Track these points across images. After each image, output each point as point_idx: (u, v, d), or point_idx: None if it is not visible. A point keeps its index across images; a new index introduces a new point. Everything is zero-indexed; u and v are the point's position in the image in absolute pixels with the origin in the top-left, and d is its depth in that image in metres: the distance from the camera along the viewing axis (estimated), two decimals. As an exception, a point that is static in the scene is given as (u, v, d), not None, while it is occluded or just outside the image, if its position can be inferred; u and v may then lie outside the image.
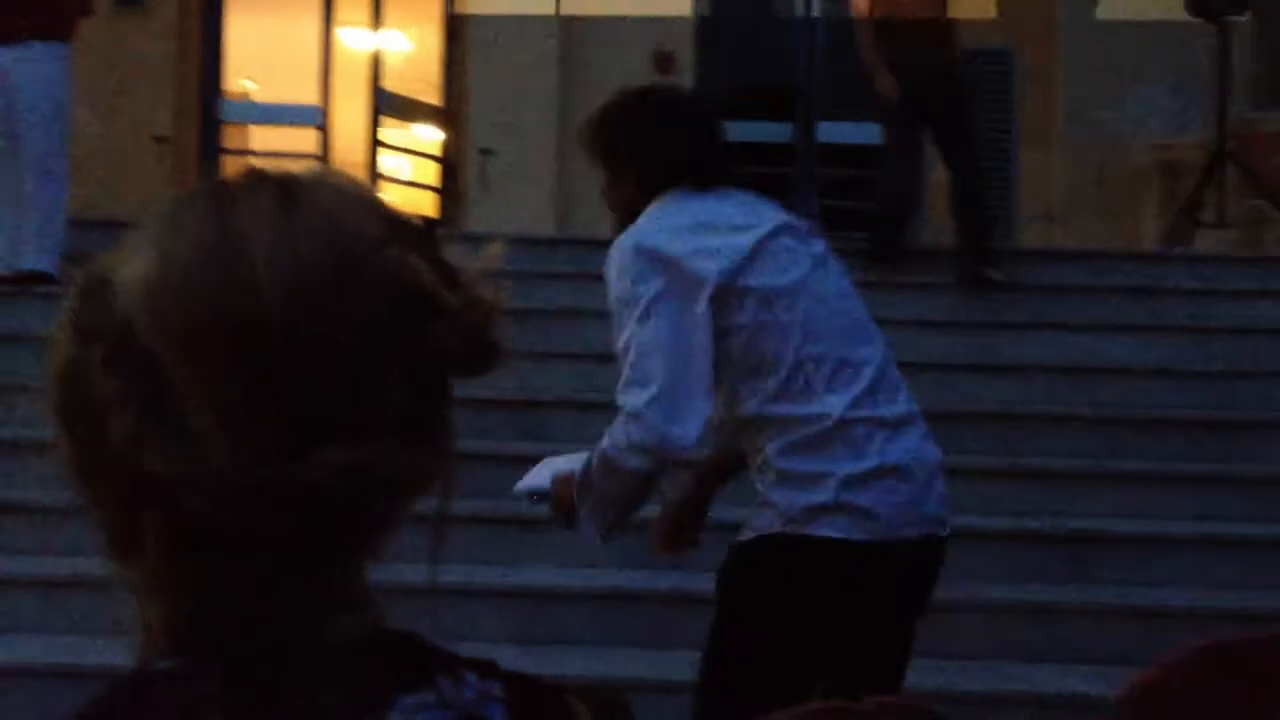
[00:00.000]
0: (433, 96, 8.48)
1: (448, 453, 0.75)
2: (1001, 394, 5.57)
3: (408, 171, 9.25)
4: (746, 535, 2.36)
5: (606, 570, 4.39)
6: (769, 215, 2.39)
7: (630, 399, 2.24)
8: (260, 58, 9.44)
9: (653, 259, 2.25)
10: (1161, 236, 7.11)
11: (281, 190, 0.73)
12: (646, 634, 4.07)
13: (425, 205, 8.42)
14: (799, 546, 2.25)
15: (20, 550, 4.50)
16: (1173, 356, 5.74)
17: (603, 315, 6.11)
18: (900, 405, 2.35)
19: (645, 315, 2.23)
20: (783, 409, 2.27)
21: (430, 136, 9.02)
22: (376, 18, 8.07)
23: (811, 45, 8.14)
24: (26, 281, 5.85)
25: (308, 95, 8.26)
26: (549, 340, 5.99)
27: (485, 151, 7.91)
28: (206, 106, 8.01)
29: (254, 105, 10.11)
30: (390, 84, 8.25)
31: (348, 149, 8.60)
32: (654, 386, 2.21)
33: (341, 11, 8.36)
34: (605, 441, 2.29)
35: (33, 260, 5.88)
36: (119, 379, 0.69)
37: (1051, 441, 5.20)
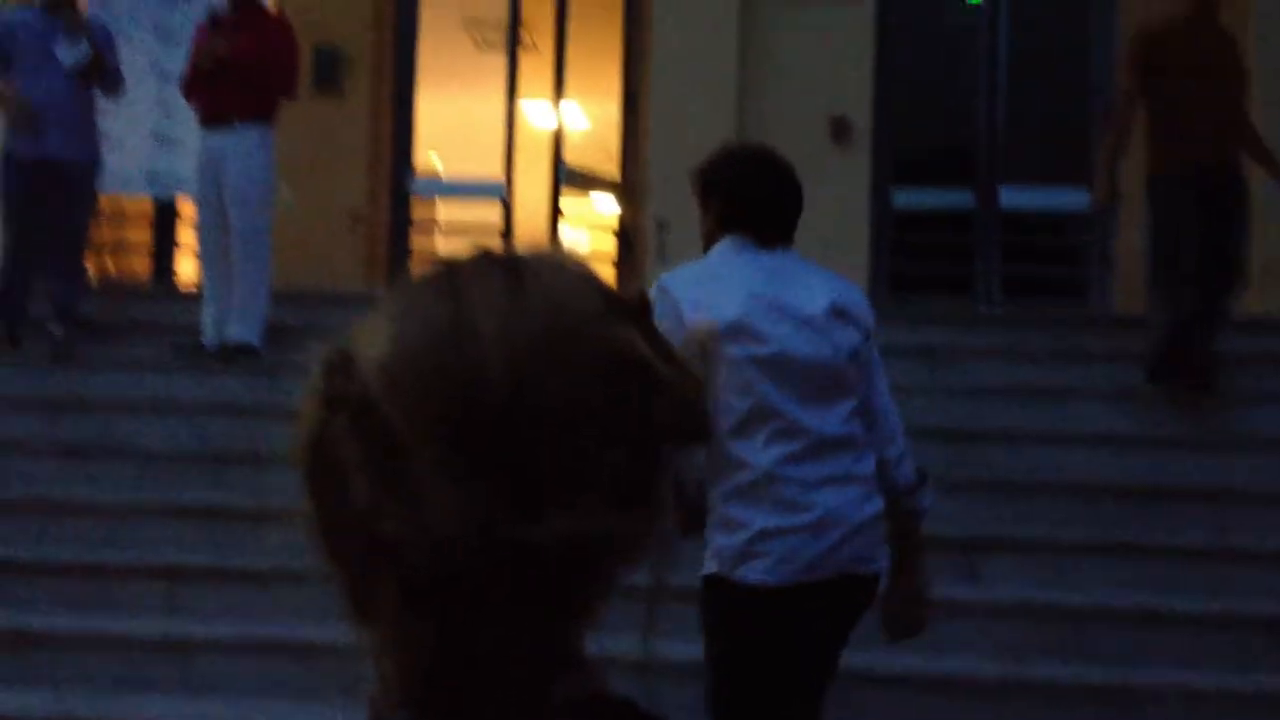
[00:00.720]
0: (611, 169, 8.63)
1: (663, 521, 0.78)
2: (1211, 471, 5.34)
3: (586, 243, 9.43)
4: (701, 573, 2.81)
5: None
6: (784, 285, 2.78)
7: None
8: (448, 134, 9.77)
9: (665, 296, 2.69)
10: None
11: (508, 271, 0.78)
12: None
13: (604, 277, 8.56)
14: (729, 589, 2.73)
15: (228, 614, 4.69)
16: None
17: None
18: (835, 467, 2.75)
19: None
20: (731, 449, 2.72)
21: (609, 208, 9.18)
22: (558, 94, 8.28)
23: (993, 109, 8.04)
24: (232, 353, 6.13)
25: (492, 169, 8.50)
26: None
27: (662, 223, 8.00)
28: (397, 182, 8.31)
29: (441, 181, 10.45)
30: (570, 158, 8.43)
31: (529, 221, 8.81)
32: None
33: (525, 88, 8.60)
34: None
35: (238, 332, 6.16)
36: (359, 446, 0.74)
37: (1266, 520, 4.97)
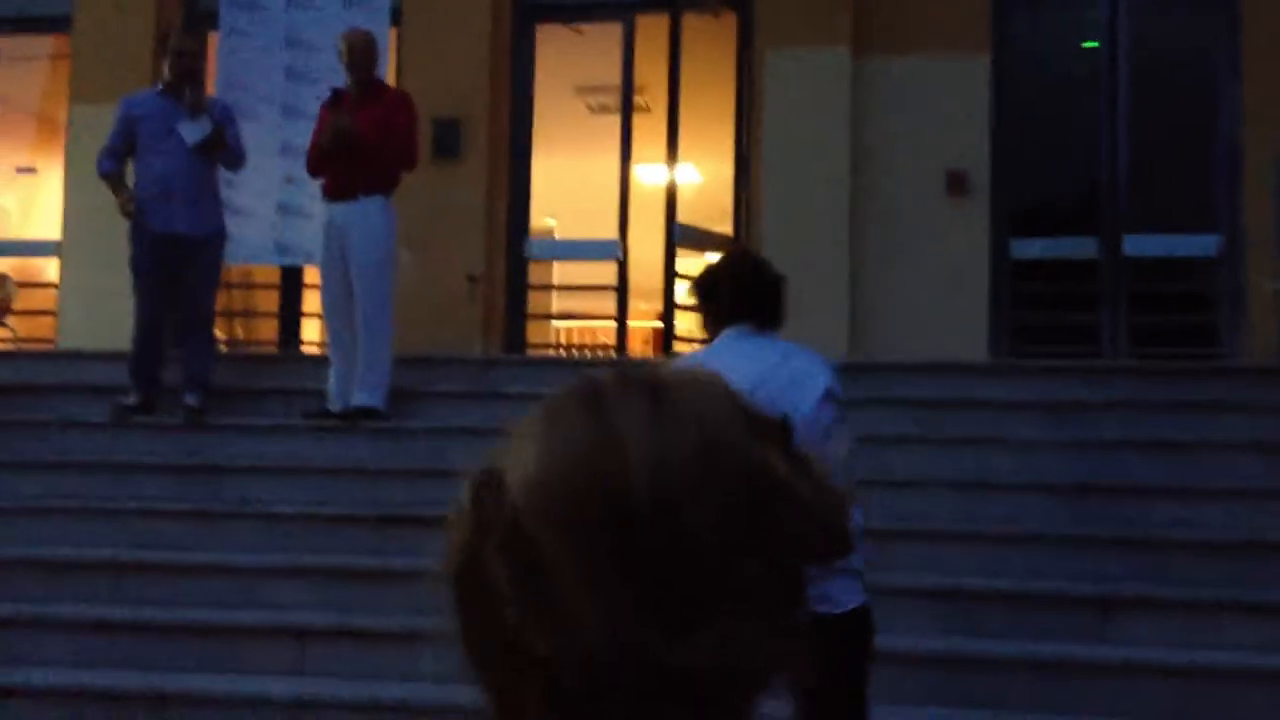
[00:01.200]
0: (725, 225, 8.66)
1: (799, 632, 0.78)
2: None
3: (702, 300, 9.45)
4: None
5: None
6: (764, 361, 3.27)
7: None
8: (563, 197, 9.92)
9: None
10: None
11: (650, 391, 0.78)
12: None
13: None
14: None
15: (357, 675, 4.75)
16: None
17: (904, 441, 6.05)
18: None
19: None
20: None
21: (723, 265, 9.18)
22: (672, 155, 8.34)
23: (1115, 154, 7.90)
24: (357, 417, 6.26)
25: (607, 230, 8.59)
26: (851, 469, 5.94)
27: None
28: (513, 245, 8.44)
29: (557, 242, 10.59)
30: (684, 215, 8.47)
31: (644, 279, 8.86)
32: None
33: (639, 149, 8.69)
34: None
35: (363, 397, 6.29)
36: (508, 566, 0.75)
37: None
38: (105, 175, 6.58)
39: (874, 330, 7.73)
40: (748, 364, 3.21)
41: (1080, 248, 7.92)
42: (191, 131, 6.45)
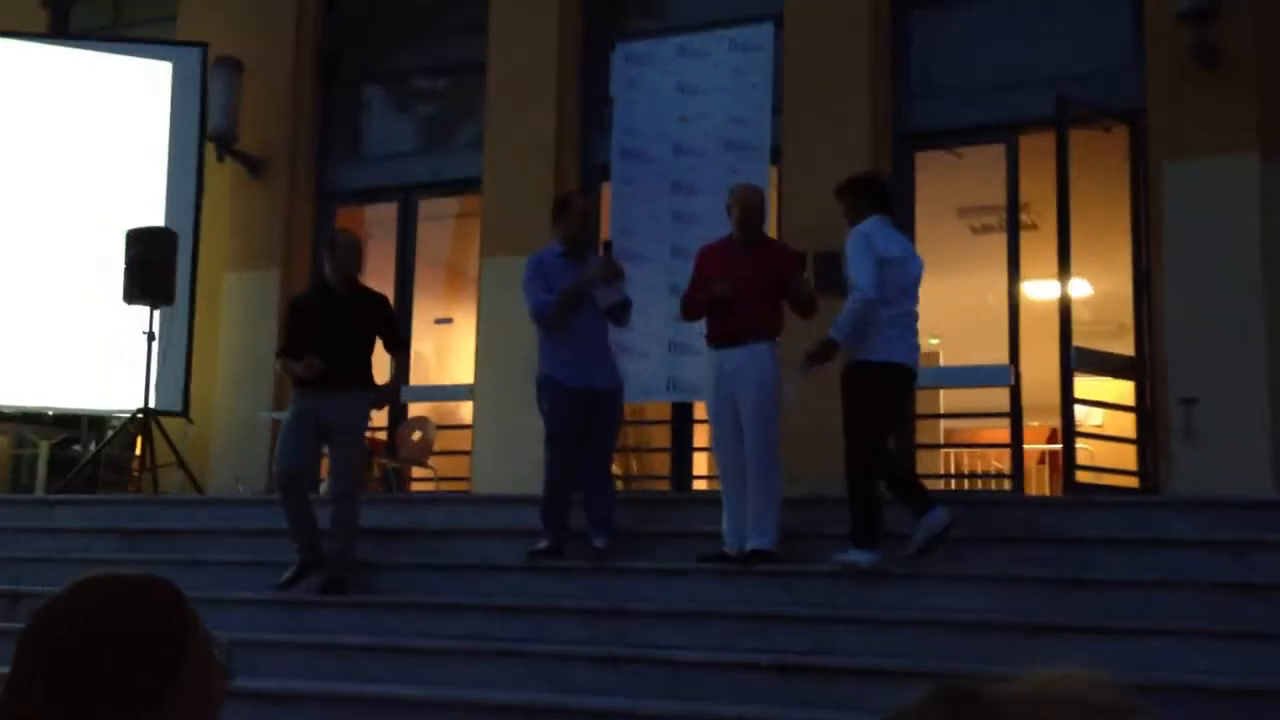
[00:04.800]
0: (1125, 341, 8.23)
1: None
2: None
3: (1099, 421, 8.98)
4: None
5: None
6: (902, 240, 6.43)
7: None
8: (948, 317, 9.75)
9: (867, 237, 6.22)
10: None
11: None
12: None
13: (1124, 460, 8.08)
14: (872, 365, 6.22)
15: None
16: None
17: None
18: (912, 322, 6.30)
19: (856, 258, 6.21)
20: (885, 303, 6.18)
21: (1125, 384, 8.71)
22: (1063, 270, 8.03)
23: None
24: (751, 560, 6.32)
25: (994, 349, 8.36)
26: (1270, 618, 5.43)
27: (1187, 401, 7.48)
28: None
29: (947, 369, 10.37)
30: (1078, 331, 8.11)
31: (1037, 396, 8.53)
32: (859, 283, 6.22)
33: (1026, 267, 8.45)
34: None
35: (757, 540, 6.34)
36: None
37: None
38: (546, 304, 6.72)
39: (1303, 458, 7.09)
40: (897, 238, 6.32)
41: None
42: (607, 295, 6.73)
